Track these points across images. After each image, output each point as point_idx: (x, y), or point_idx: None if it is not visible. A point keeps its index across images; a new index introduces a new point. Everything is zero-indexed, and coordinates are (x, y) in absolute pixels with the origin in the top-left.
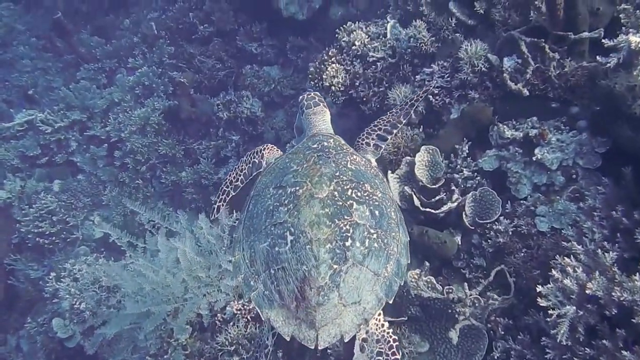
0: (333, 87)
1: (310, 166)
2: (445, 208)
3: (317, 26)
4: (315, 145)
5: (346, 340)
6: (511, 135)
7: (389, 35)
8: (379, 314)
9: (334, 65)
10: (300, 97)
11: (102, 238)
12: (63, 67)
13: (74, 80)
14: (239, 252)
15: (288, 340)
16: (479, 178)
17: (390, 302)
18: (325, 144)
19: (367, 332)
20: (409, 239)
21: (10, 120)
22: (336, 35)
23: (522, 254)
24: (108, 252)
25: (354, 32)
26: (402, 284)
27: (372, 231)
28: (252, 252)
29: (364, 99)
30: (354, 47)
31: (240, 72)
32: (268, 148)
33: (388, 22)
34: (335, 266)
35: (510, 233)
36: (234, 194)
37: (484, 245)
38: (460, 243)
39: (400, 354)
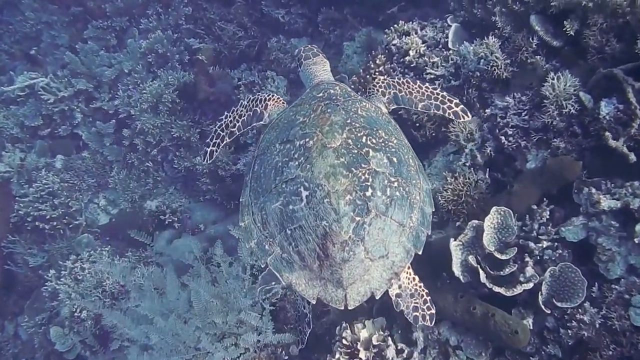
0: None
1: (319, 115)
2: (518, 290)
3: None
4: (320, 94)
5: (377, 297)
6: (607, 206)
7: (450, 45)
8: (408, 267)
9: (381, 78)
10: (297, 50)
11: (108, 225)
12: (69, 22)
13: (81, 39)
14: (248, 217)
15: (314, 303)
16: (560, 251)
17: (420, 252)
18: (332, 91)
19: (399, 286)
20: (430, 186)
21: (11, 82)
22: (385, 36)
23: (611, 353)
24: (114, 242)
25: (408, 37)
26: (429, 234)
27: (392, 179)
28: (263, 214)
29: (417, 123)
30: (407, 58)
31: (264, 42)
32: (273, 99)
33: (449, 25)
34: (357, 218)
35: (597, 326)
36: (229, 140)
37: (562, 334)
38: (532, 326)
39: (434, 308)
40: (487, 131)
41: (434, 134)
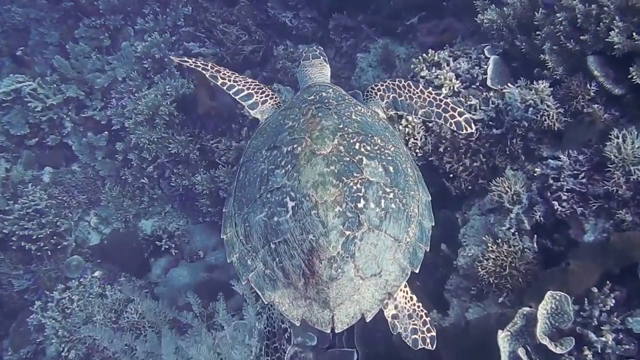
0: (408, 150)
1: (308, 120)
2: None
3: (369, 3)
4: (312, 97)
5: (368, 320)
6: None
7: (489, 82)
8: (405, 286)
9: (409, 117)
10: (301, 50)
11: (100, 245)
12: (60, 18)
13: (72, 38)
14: (230, 229)
15: (298, 325)
16: (626, 345)
17: (417, 271)
18: (324, 94)
19: (395, 307)
20: (430, 198)
21: None
22: (412, 66)
23: None
24: (106, 264)
25: (439, 69)
26: (427, 251)
27: (387, 190)
28: (246, 226)
29: (451, 174)
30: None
31: (270, 46)
32: (274, 99)
33: (487, 57)
34: (347, 232)
35: None
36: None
37: None
38: None
39: (435, 330)
40: (536, 192)
41: (469, 187)
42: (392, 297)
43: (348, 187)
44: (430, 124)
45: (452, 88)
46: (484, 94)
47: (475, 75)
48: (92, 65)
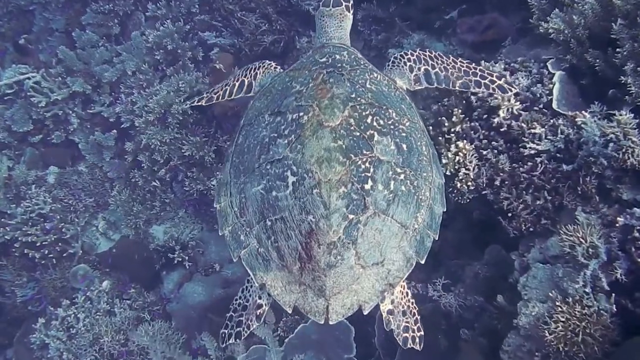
0: (458, 182)
1: (318, 85)
2: None
3: None
4: (324, 59)
5: (365, 312)
6: None
7: (556, 105)
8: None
9: (459, 142)
10: None
11: (108, 253)
12: (66, 2)
13: (79, 24)
14: (225, 198)
15: (290, 312)
16: None
17: (422, 262)
18: (338, 57)
19: (392, 301)
20: (443, 181)
21: None
22: None
23: None
24: (114, 273)
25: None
26: (436, 239)
27: (398, 170)
28: (242, 197)
29: (509, 212)
30: (495, 120)
31: (291, 37)
32: (264, 66)
33: (551, 72)
34: (351, 216)
35: None
36: (204, 104)
37: None
38: None
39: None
40: (616, 245)
41: (531, 228)
42: (393, 288)
43: (356, 165)
44: (484, 152)
45: (510, 110)
46: (551, 120)
47: (538, 95)
48: (100, 56)
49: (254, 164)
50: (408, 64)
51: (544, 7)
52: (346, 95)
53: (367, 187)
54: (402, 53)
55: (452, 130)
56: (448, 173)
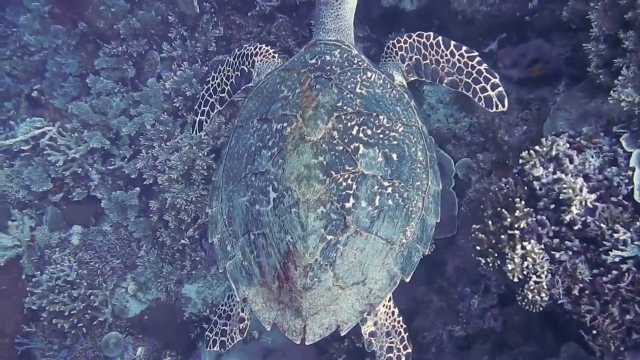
0: (529, 292)
1: (304, 92)
2: None
3: (432, 19)
4: (313, 61)
5: (343, 333)
6: None
7: (637, 195)
8: (389, 299)
9: (527, 244)
10: None
11: (140, 318)
12: (77, 44)
13: (92, 67)
14: (216, 203)
15: (269, 329)
16: None
17: (407, 280)
18: (328, 58)
19: (375, 323)
20: (440, 187)
21: (10, 132)
22: (520, 162)
23: None
24: (147, 339)
25: (560, 170)
26: (426, 253)
27: (385, 184)
28: (230, 205)
29: (594, 329)
30: (567, 216)
31: None
32: (261, 53)
33: (626, 151)
34: (329, 237)
35: None
36: (220, 108)
37: None
38: None
39: (412, 345)
40: None
41: (620, 347)
42: (374, 308)
43: (336, 183)
44: (557, 255)
45: (584, 203)
46: (637, 219)
47: (615, 184)
48: (117, 106)
49: (241, 172)
50: (400, 53)
51: (602, 54)
52: (332, 105)
53: (348, 205)
54: (395, 40)
55: (516, 226)
56: (515, 280)
